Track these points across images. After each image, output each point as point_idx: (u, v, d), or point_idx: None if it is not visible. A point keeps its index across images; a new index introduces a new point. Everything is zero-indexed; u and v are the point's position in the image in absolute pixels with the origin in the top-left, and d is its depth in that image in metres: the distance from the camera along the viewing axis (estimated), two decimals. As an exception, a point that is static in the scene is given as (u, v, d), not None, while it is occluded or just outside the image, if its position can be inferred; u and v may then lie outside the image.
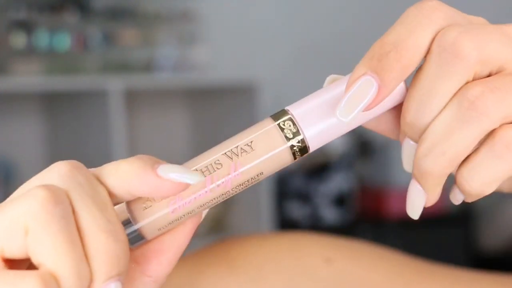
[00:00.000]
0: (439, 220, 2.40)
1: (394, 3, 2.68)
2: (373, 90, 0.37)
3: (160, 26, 2.21)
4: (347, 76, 0.39)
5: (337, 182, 2.30)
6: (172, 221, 0.38)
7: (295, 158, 0.39)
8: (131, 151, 2.08)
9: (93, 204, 0.35)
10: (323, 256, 0.56)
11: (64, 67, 2.06)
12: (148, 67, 2.20)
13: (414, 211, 0.40)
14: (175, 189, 0.36)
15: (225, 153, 0.38)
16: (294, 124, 0.39)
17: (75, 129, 2.02)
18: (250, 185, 0.39)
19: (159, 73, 2.20)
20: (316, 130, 0.39)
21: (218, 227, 2.14)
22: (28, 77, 1.99)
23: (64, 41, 2.04)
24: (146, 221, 0.37)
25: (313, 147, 0.39)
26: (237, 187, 0.38)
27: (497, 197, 2.70)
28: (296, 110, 0.39)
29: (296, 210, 2.29)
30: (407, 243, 2.32)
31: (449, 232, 2.39)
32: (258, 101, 2.08)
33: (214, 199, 0.38)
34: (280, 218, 2.26)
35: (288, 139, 0.38)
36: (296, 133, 0.39)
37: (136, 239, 0.38)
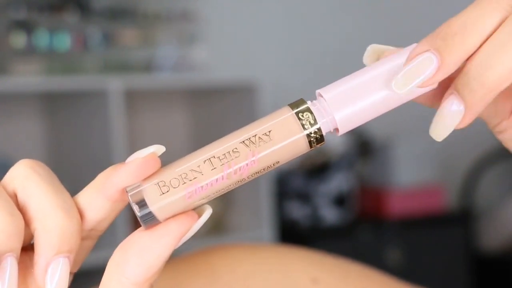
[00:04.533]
0: (439, 220, 2.40)
1: (395, 10, 2.69)
2: (432, 67, 0.37)
3: (160, 26, 2.21)
4: (385, 59, 0.40)
5: (337, 182, 2.30)
6: (187, 205, 0.38)
7: (311, 147, 0.39)
8: (131, 151, 2.07)
9: (49, 187, 0.38)
10: (310, 275, 0.56)
11: (64, 67, 2.06)
12: (148, 67, 2.20)
13: (442, 132, 0.39)
14: (146, 163, 0.38)
15: (243, 142, 0.39)
16: (311, 113, 0.39)
17: (75, 129, 2.02)
18: (265, 172, 0.39)
19: (159, 73, 2.20)
20: (347, 113, 0.39)
21: (218, 227, 2.14)
22: (28, 77, 1.99)
23: (64, 41, 2.04)
24: (161, 202, 0.38)
25: (343, 129, 0.40)
26: (253, 174, 0.39)
27: (497, 197, 2.70)
28: (328, 93, 0.40)
29: (296, 210, 2.29)
30: (407, 243, 2.32)
31: (449, 232, 2.39)
32: (258, 101, 2.08)
33: (230, 185, 0.39)
34: (280, 218, 2.26)
35: (305, 128, 0.39)
36: (313, 123, 0.39)
37: (149, 220, 0.38)
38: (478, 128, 2.72)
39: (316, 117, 0.39)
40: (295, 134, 0.39)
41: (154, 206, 0.38)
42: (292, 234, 2.25)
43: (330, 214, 2.29)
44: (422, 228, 2.36)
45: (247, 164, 0.38)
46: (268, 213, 2.11)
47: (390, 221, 2.34)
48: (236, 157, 0.38)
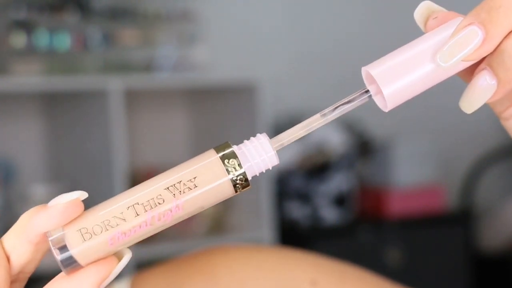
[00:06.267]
0: (439, 220, 2.39)
1: (394, 9, 2.68)
2: (477, 40, 0.37)
3: (160, 26, 2.21)
4: (430, 34, 0.40)
5: (337, 182, 2.30)
6: (109, 251, 0.38)
7: (236, 192, 0.39)
8: (131, 151, 2.08)
9: None
10: (309, 277, 0.56)
11: (64, 67, 2.06)
12: (148, 67, 2.19)
13: (472, 105, 0.39)
14: (68, 208, 0.38)
15: (168, 188, 0.38)
16: (236, 157, 0.39)
17: (75, 129, 2.02)
18: (190, 216, 0.39)
19: (159, 73, 2.20)
20: (394, 88, 0.39)
21: (218, 227, 2.14)
22: (28, 77, 1.99)
23: (64, 41, 2.04)
24: (82, 248, 0.38)
25: (391, 105, 0.40)
26: (178, 219, 0.39)
27: (497, 197, 2.70)
28: (375, 69, 0.39)
29: (296, 210, 2.29)
30: (407, 243, 2.32)
31: (449, 232, 2.39)
32: (258, 101, 2.08)
33: (154, 231, 0.39)
34: (280, 218, 2.26)
35: (229, 173, 0.39)
36: (238, 168, 0.39)
37: (70, 265, 0.38)
38: (478, 128, 2.72)
39: (241, 161, 0.39)
40: (219, 179, 0.38)
41: (75, 252, 0.38)
42: (292, 234, 2.25)
43: (330, 214, 2.29)
44: (422, 228, 2.36)
45: (171, 211, 0.38)
46: (268, 213, 2.11)
47: (390, 221, 2.34)
48: (159, 203, 0.38)
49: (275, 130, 2.33)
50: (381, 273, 0.61)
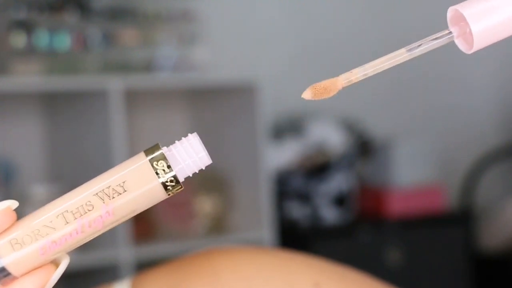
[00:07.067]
0: (439, 220, 2.40)
1: (394, 6, 2.69)
2: None
3: (160, 26, 2.21)
4: None
5: (337, 182, 2.30)
6: (42, 260, 0.38)
7: (168, 194, 0.39)
8: (131, 151, 2.08)
9: None
10: (312, 280, 0.56)
11: (64, 67, 2.06)
12: (148, 67, 2.19)
13: None
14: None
15: (97, 194, 0.38)
16: (165, 159, 0.39)
17: (75, 129, 2.02)
18: (123, 221, 0.38)
19: (159, 73, 2.20)
20: (483, 27, 0.39)
21: (218, 227, 2.14)
22: (28, 77, 1.99)
23: (64, 41, 2.04)
24: (12, 258, 0.38)
25: (478, 45, 0.40)
26: (109, 225, 0.38)
27: (497, 197, 2.70)
28: (465, 8, 0.40)
29: (296, 210, 2.29)
30: (407, 243, 2.32)
31: (449, 232, 2.39)
32: (258, 101, 2.08)
33: (86, 238, 0.38)
34: (280, 218, 2.26)
35: (159, 176, 0.38)
36: (168, 170, 0.38)
37: (4, 277, 0.38)
38: (478, 128, 2.72)
39: (171, 163, 0.38)
40: (149, 182, 0.38)
41: (6, 263, 0.37)
42: (292, 234, 2.25)
43: (330, 214, 2.29)
44: (422, 228, 2.36)
45: (101, 217, 0.38)
46: (268, 213, 2.11)
47: (390, 221, 2.34)
48: (89, 210, 0.37)
49: (275, 130, 2.33)
50: (381, 273, 0.61)
